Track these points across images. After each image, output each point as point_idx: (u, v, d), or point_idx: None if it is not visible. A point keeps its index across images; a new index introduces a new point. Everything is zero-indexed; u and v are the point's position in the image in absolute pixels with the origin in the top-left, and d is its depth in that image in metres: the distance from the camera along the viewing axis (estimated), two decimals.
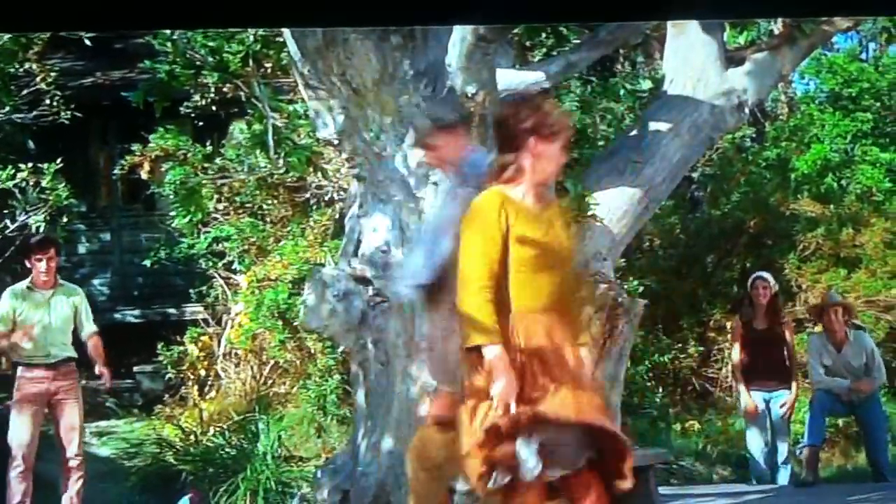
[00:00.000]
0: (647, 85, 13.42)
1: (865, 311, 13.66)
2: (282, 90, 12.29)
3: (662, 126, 9.21)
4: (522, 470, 5.41)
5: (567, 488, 5.56)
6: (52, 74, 14.87)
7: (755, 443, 11.20)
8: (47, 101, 14.77)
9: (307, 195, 14.33)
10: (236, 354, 14.30)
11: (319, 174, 13.00)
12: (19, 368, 9.95)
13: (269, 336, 13.63)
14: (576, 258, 5.95)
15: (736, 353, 11.32)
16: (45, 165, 13.63)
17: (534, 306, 5.53)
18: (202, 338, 14.66)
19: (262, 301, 13.37)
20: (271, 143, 10.36)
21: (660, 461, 9.67)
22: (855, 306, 12.48)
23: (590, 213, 8.96)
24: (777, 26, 9.97)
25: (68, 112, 14.75)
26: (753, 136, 17.28)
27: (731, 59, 9.55)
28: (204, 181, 13.68)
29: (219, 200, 14.42)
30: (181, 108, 13.21)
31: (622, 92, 13.20)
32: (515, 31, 9.63)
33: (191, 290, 15.62)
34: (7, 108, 14.76)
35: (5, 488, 9.94)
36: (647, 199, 9.21)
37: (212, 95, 12.61)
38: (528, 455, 5.37)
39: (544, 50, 12.02)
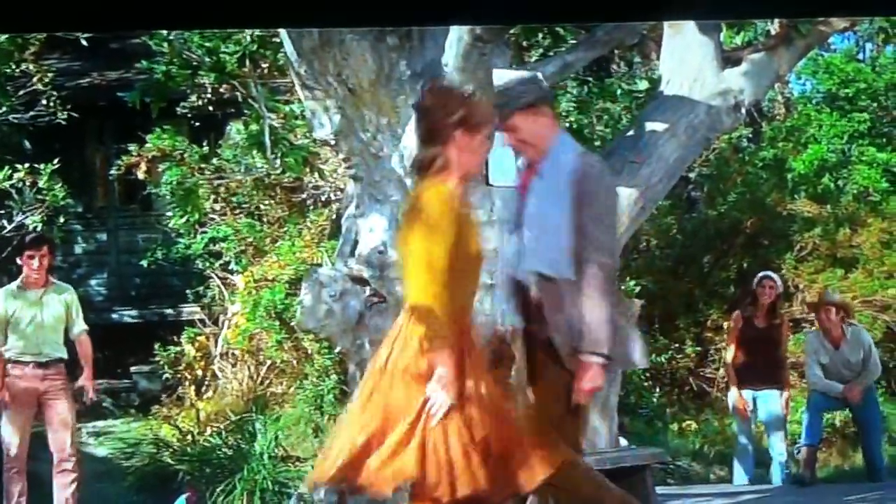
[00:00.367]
0: (643, 85, 13.44)
1: (862, 311, 13.66)
2: (278, 90, 12.30)
3: (659, 126, 9.21)
4: None
5: None
6: (49, 75, 14.86)
7: (744, 440, 11.22)
8: (44, 102, 14.77)
9: (304, 195, 14.34)
10: (233, 355, 14.30)
11: (316, 174, 13.01)
12: (8, 366, 9.91)
13: (266, 336, 13.63)
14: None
15: (731, 349, 11.34)
16: (42, 166, 13.62)
17: (463, 306, 5.55)
18: (199, 338, 14.66)
19: (258, 301, 13.37)
20: (268, 143, 10.36)
21: (657, 461, 9.66)
22: (853, 306, 12.48)
23: None
24: (774, 27, 9.97)
25: (65, 112, 14.75)
26: (750, 136, 17.27)
27: (728, 59, 9.54)
28: (201, 181, 13.71)
29: (215, 201, 14.43)
30: (178, 109, 13.23)
31: (619, 92, 13.23)
32: (512, 31, 9.62)
33: (188, 291, 15.62)
34: (4, 109, 14.76)
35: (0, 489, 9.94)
36: (643, 200, 9.21)
37: (208, 96, 12.64)
38: None
39: (541, 50, 12.03)
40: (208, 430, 12.71)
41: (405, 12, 3.92)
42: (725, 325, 14.45)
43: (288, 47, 8.26)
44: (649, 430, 13.11)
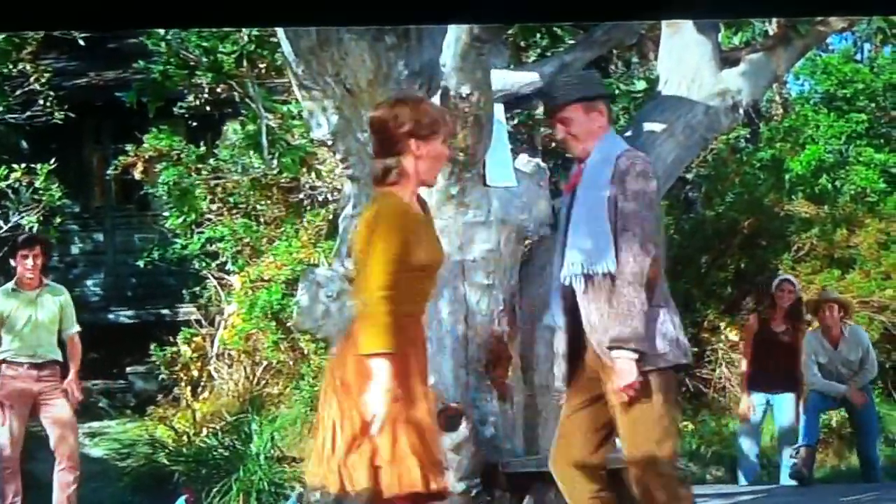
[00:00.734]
0: (641, 85, 13.42)
1: (860, 312, 13.64)
2: (276, 90, 12.29)
3: (657, 126, 9.19)
4: None
5: None
6: (46, 75, 14.85)
7: (748, 444, 11.22)
8: (41, 102, 14.76)
9: (301, 196, 14.32)
10: (229, 355, 14.29)
11: (313, 175, 13.01)
12: (3, 366, 9.89)
13: (263, 337, 13.62)
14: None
15: (747, 353, 11.38)
16: (39, 166, 13.61)
17: (411, 311, 5.54)
18: (195, 338, 14.64)
19: (255, 302, 13.36)
20: (265, 143, 10.35)
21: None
22: (852, 304, 12.47)
23: None
24: (772, 27, 9.96)
25: (62, 112, 14.74)
26: (748, 136, 17.26)
27: (726, 59, 9.53)
28: (197, 182, 13.70)
29: (212, 201, 14.42)
30: (175, 109, 13.23)
31: (617, 92, 13.20)
32: (510, 31, 9.61)
33: (184, 291, 15.61)
34: (0, 109, 14.74)
35: None
36: None
37: (205, 96, 12.63)
38: None
39: (539, 50, 12.02)
40: (204, 431, 12.70)
41: (403, 11, 3.89)
42: (722, 325, 14.46)
43: (285, 47, 8.25)
44: None
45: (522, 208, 8.38)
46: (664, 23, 9.46)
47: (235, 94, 11.42)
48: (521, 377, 8.35)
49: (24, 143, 16.31)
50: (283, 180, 13.90)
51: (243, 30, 10.14)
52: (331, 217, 13.33)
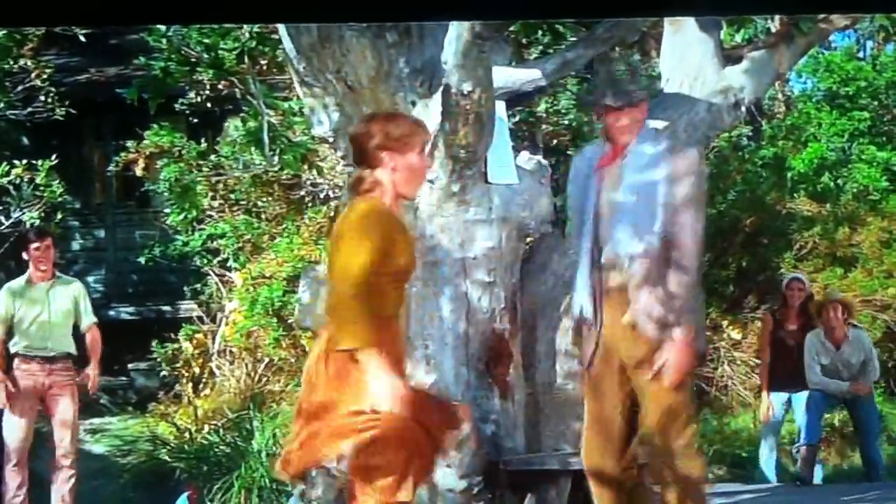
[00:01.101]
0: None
1: (862, 311, 13.62)
2: (277, 87, 12.27)
3: (659, 124, 9.16)
4: None
5: None
6: (47, 71, 14.84)
7: (771, 443, 11.25)
8: (42, 98, 14.74)
9: (302, 192, 14.31)
10: (231, 352, 14.27)
11: (314, 171, 12.99)
12: (15, 360, 9.90)
13: (264, 333, 13.61)
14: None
15: (765, 351, 11.40)
16: (40, 162, 13.62)
17: (387, 313, 5.58)
18: (197, 335, 14.64)
19: (256, 298, 13.34)
20: (266, 140, 10.34)
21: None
22: (855, 304, 12.45)
23: None
24: (774, 24, 9.94)
25: (63, 109, 14.72)
26: (750, 134, 17.25)
27: (728, 57, 9.51)
28: (198, 178, 13.68)
29: (213, 198, 14.40)
30: (176, 105, 13.21)
31: None
32: (512, 28, 9.59)
33: (185, 288, 15.60)
34: (1, 105, 14.74)
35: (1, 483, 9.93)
36: None
37: (207, 92, 12.62)
38: None
39: (541, 48, 12.01)
40: (206, 428, 12.70)
41: (405, 7, 3.88)
42: (725, 323, 14.45)
43: (287, 44, 8.23)
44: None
45: (524, 206, 8.37)
46: (666, 20, 9.45)
47: (237, 90, 11.41)
48: (522, 375, 8.34)
49: (26, 140, 16.29)
50: (284, 177, 13.89)
51: (244, 26, 10.12)
52: (332, 214, 13.30)
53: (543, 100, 13.10)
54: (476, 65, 7.52)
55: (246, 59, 10.52)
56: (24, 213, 13.52)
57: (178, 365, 14.41)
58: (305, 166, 12.04)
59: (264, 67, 11.40)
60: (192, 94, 12.98)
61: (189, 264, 15.34)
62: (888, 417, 13.72)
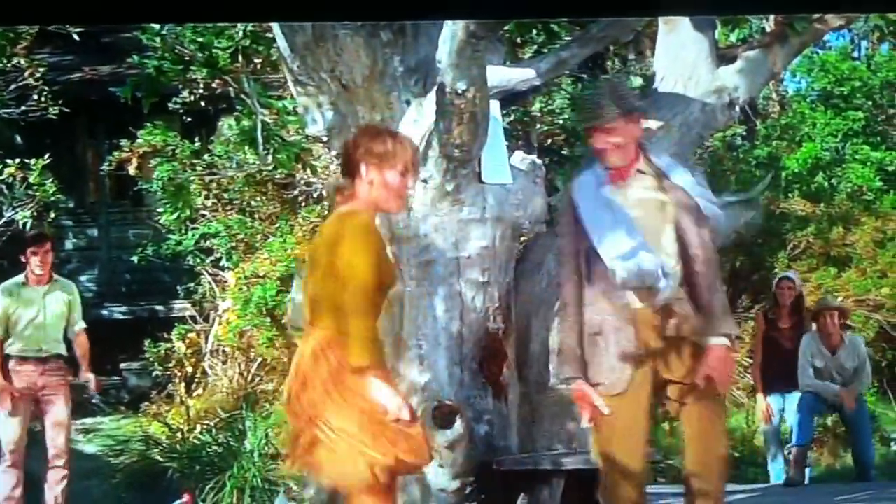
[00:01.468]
0: (637, 82, 13.41)
1: (855, 311, 13.64)
2: (271, 86, 12.24)
3: (653, 124, 9.16)
4: None
5: None
6: (41, 69, 14.80)
7: (773, 444, 11.25)
8: (35, 97, 14.71)
9: (296, 192, 14.29)
10: (224, 352, 14.26)
11: (308, 171, 12.96)
12: (10, 361, 9.90)
13: (257, 333, 13.59)
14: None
15: (758, 353, 11.41)
16: (33, 161, 13.59)
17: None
18: (189, 335, 14.62)
19: (249, 298, 13.32)
20: (260, 139, 10.30)
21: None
22: (849, 309, 12.46)
23: None
24: (769, 24, 9.93)
25: (56, 107, 14.69)
26: (744, 134, 17.26)
27: (723, 56, 9.50)
28: (192, 177, 13.65)
29: (207, 197, 14.38)
30: (170, 104, 13.19)
31: None
32: (506, 28, 9.58)
33: (178, 287, 15.58)
34: None
35: None
36: None
37: (200, 91, 12.59)
38: None
39: (535, 47, 11.99)
40: (198, 428, 12.68)
41: (399, 6, 3.87)
42: None
43: (281, 43, 8.22)
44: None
45: (518, 205, 8.36)
46: (661, 20, 9.44)
47: (230, 89, 11.37)
48: (515, 374, 8.33)
49: (19, 139, 16.26)
50: (278, 176, 13.87)
51: (239, 25, 10.09)
52: (326, 213, 13.29)
53: (538, 99, 13.10)
54: (470, 64, 7.51)
55: (240, 58, 10.49)
56: (17, 213, 13.50)
57: (170, 364, 14.39)
58: (299, 165, 12.01)
59: (258, 66, 11.37)
60: (185, 93, 12.96)
61: (182, 263, 15.32)
62: (881, 417, 13.73)
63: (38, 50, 15.68)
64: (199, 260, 14.87)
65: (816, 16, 9.23)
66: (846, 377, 10.91)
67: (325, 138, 8.40)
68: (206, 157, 13.93)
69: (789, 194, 15.72)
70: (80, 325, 10.21)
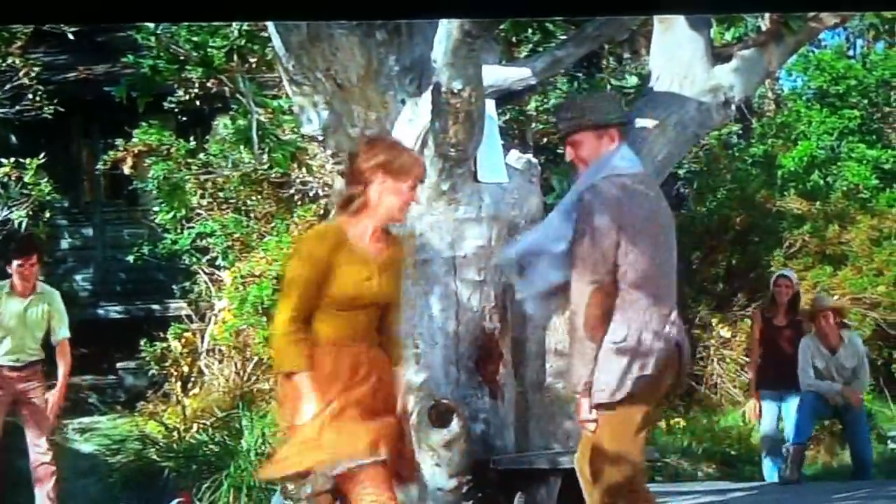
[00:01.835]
0: (633, 81, 13.41)
1: (851, 309, 13.65)
2: (266, 85, 12.23)
3: (648, 123, 9.16)
4: None
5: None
6: (35, 69, 14.79)
7: (769, 444, 11.25)
8: (30, 96, 14.69)
9: (291, 191, 14.28)
10: (220, 351, 14.24)
11: (304, 170, 12.96)
12: None
13: (253, 332, 13.57)
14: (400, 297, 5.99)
15: (756, 351, 11.42)
16: (28, 160, 13.57)
17: (340, 338, 5.67)
18: (185, 334, 14.60)
19: (245, 297, 13.31)
20: (255, 138, 10.30)
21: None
22: (846, 307, 12.45)
23: None
24: (764, 23, 9.93)
25: (51, 107, 14.67)
26: (740, 132, 17.28)
27: (718, 55, 9.49)
28: (187, 177, 13.64)
29: (202, 196, 14.37)
30: (165, 103, 13.18)
31: (608, 88, 13.17)
32: (502, 27, 9.57)
33: (174, 286, 15.57)
34: None
35: None
36: None
37: (196, 90, 12.59)
38: None
39: (530, 46, 11.99)
40: (195, 427, 12.67)
41: (394, 5, 3.86)
42: (714, 321, 14.45)
43: (276, 42, 8.21)
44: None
45: (514, 204, 8.35)
46: (656, 18, 9.44)
47: (226, 88, 11.36)
48: (512, 373, 8.32)
49: (14, 138, 16.24)
50: (273, 175, 13.86)
51: (234, 24, 10.09)
52: (321, 212, 13.29)
53: (533, 98, 13.09)
54: (466, 63, 7.50)
55: (235, 57, 10.48)
56: (12, 212, 13.48)
57: (166, 364, 14.38)
58: (295, 165, 12.01)
59: (253, 65, 11.35)
60: (180, 93, 12.95)
61: (178, 263, 15.31)
62: (877, 415, 13.74)
63: (32, 49, 15.67)
64: (194, 259, 14.86)
65: (812, 14, 9.23)
66: (847, 376, 10.91)
67: (320, 137, 8.38)
68: (201, 156, 13.92)
69: (785, 193, 15.73)
70: (64, 333, 10.18)
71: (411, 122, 8.04)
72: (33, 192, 13.61)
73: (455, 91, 7.55)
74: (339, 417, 5.53)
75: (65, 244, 17.87)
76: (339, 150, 8.25)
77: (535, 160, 8.89)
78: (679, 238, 6.49)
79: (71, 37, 15.29)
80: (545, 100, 13.87)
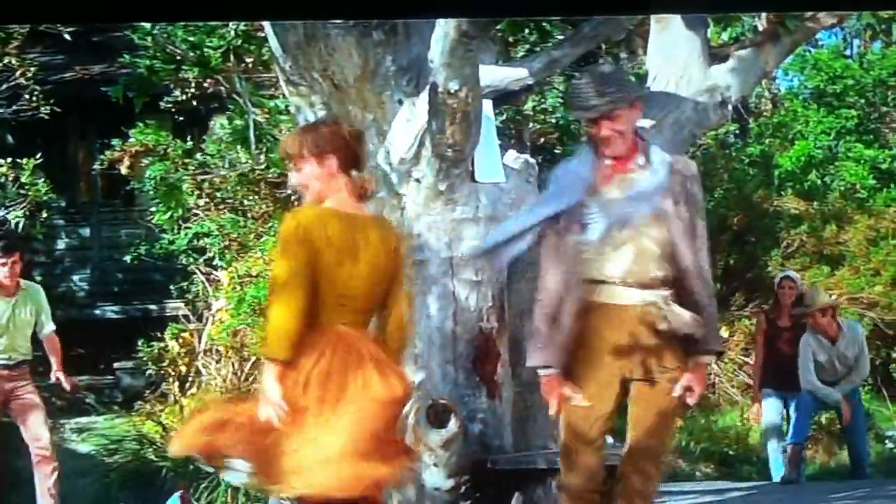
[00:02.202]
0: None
1: (848, 308, 13.65)
2: (263, 85, 12.24)
3: (645, 123, 9.14)
4: None
5: None
6: (32, 69, 14.77)
7: (773, 445, 11.24)
8: (26, 96, 14.67)
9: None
10: (217, 351, 14.21)
11: None
12: None
13: (251, 332, 13.56)
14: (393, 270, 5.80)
15: (759, 352, 11.41)
16: (25, 161, 13.55)
17: (337, 320, 5.61)
18: (183, 334, 14.58)
19: (243, 297, 13.29)
20: (252, 138, 10.31)
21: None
22: (838, 303, 12.43)
23: None
24: (761, 23, 9.93)
25: (47, 107, 14.66)
26: (737, 132, 17.28)
27: (715, 55, 9.49)
28: (184, 177, 13.63)
29: (199, 196, 14.35)
30: (161, 103, 13.16)
31: None
32: (498, 27, 9.57)
33: (171, 287, 15.54)
34: None
35: None
36: None
37: (192, 91, 12.57)
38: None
39: (527, 46, 11.99)
40: None
41: (391, 5, 3.85)
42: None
43: (273, 42, 8.21)
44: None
45: (511, 204, 8.35)
46: (653, 18, 9.44)
47: (222, 88, 11.38)
48: (509, 373, 8.32)
49: (10, 138, 16.22)
50: (270, 175, 13.84)
51: (230, 24, 10.09)
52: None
53: (530, 98, 13.08)
54: (463, 63, 7.50)
55: (231, 58, 10.50)
56: (8, 212, 13.47)
57: (164, 364, 14.35)
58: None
59: (250, 66, 11.36)
60: (177, 93, 12.93)
61: (175, 263, 15.29)
62: (875, 415, 13.73)
63: (29, 49, 15.65)
64: (191, 259, 14.84)
65: (809, 14, 9.23)
66: (849, 365, 10.88)
67: None
68: (198, 156, 13.90)
69: (782, 192, 15.72)
70: (50, 326, 10.18)
71: (408, 122, 8.04)
72: (30, 193, 13.60)
73: (452, 91, 7.55)
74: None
75: (61, 244, 17.86)
76: None
77: (532, 160, 8.89)
78: None
79: (67, 37, 15.29)
80: (542, 100, 13.87)
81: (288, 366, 5.48)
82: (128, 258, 16.07)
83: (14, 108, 14.83)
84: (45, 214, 14.30)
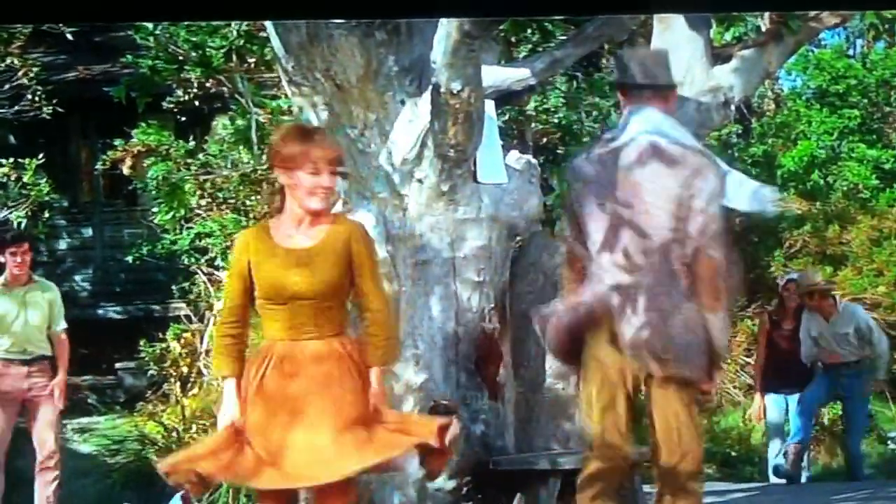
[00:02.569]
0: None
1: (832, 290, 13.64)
2: (265, 86, 12.23)
3: None
4: None
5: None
6: (34, 69, 14.77)
7: (774, 445, 11.25)
8: (29, 96, 14.67)
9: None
10: None
11: None
12: None
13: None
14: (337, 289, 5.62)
15: (762, 353, 11.42)
16: (27, 161, 13.55)
17: (280, 336, 5.64)
18: (185, 334, 14.58)
19: None
20: (255, 138, 10.30)
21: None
22: (831, 287, 12.41)
23: None
24: (764, 22, 9.92)
25: (50, 107, 14.66)
26: (740, 132, 17.25)
27: (718, 55, 9.49)
28: (186, 177, 13.62)
29: (201, 196, 14.33)
30: (164, 104, 13.16)
31: (608, 88, 13.16)
32: (501, 27, 9.57)
33: (173, 287, 15.54)
34: None
35: None
36: None
37: (194, 90, 12.56)
38: None
39: (530, 46, 11.98)
40: (194, 427, 12.64)
41: (394, 5, 3.85)
42: None
43: (275, 42, 8.20)
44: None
45: (513, 205, 8.34)
46: (655, 18, 9.43)
47: (225, 89, 11.36)
48: (512, 374, 8.32)
49: (13, 138, 16.23)
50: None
51: (232, 24, 10.08)
52: None
53: (533, 98, 13.08)
54: (465, 63, 7.49)
55: (234, 58, 10.49)
56: (11, 212, 13.47)
57: (166, 364, 14.35)
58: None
59: (252, 66, 11.35)
60: (179, 93, 12.93)
61: (177, 263, 15.29)
62: (878, 416, 13.73)
63: (31, 49, 15.65)
64: (193, 259, 14.84)
65: (811, 14, 9.22)
66: (849, 341, 10.89)
67: None
68: (200, 156, 13.90)
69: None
70: (62, 325, 10.12)
71: (411, 122, 8.03)
72: (32, 193, 13.60)
73: (454, 91, 7.54)
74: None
75: (64, 244, 17.87)
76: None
77: (534, 161, 8.89)
78: None
79: (70, 37, 15.27)
80: (545, 100, 13.86)
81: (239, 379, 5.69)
82: (130, 258, 16.06)
83: (16, 108, 14.82)
84: (47, 214, 14.30)
